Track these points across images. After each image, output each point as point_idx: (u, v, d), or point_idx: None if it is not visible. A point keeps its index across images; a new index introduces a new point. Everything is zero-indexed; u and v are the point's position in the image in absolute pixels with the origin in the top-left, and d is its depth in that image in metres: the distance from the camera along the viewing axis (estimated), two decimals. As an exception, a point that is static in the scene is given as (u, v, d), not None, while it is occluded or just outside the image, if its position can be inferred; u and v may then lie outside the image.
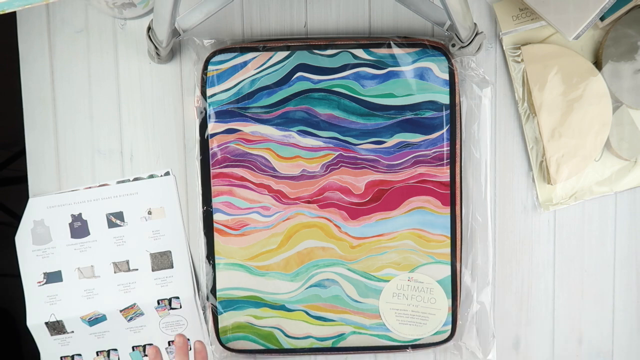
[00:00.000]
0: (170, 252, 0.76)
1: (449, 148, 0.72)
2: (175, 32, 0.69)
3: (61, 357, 0.77)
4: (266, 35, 0.75)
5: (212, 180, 0.73)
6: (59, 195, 0.76)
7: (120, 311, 0.76)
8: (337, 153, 0.73)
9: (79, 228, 0.75)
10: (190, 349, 0.77)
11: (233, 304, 0.74)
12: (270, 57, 0.72)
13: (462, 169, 0.74)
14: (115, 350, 0.77)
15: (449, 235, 0.73)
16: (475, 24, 0.69)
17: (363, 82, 0.72)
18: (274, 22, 0.75)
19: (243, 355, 0.76)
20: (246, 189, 0.73)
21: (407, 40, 0.72)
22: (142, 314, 0.76)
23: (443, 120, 0.72)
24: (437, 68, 0.72)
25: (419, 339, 0.75)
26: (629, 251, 0.78)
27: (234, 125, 0.73)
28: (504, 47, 0.75)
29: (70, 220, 0.75)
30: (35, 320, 0.76)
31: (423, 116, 0.72)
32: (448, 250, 0.73)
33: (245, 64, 0.72)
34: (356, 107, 0.72)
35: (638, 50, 0.75)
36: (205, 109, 0.73)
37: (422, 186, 0.73)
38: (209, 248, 0.74)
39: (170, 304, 0.76)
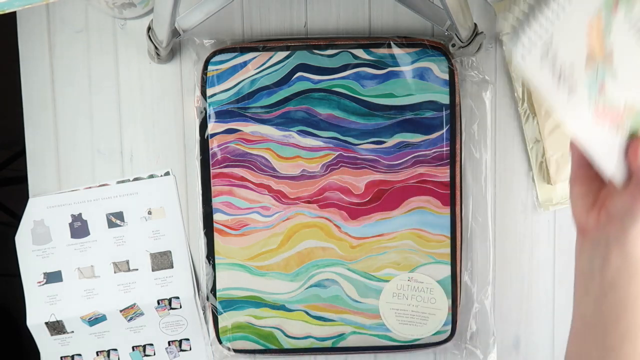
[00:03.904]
0: (170, 252, 0.76)
1: (449, 148, 0.72)
2: (175, 32, 0.69)
3: (61, 357, 0.77)
4: (266, 35, 0.75)
5: (212, 180, 0.73)
6: (59, 195, 0.76)
7: (120, 311, 0.76)
8: (337, 153, 0.73)
9: (79, 228, 0.75)
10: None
11: (233, 304, 0.74)
12: (270, 57, 0.72)
13: (462, 169, 0.74)
14: (115, 350, 0.77)
15: (449, 235, 0.73)
16: (475, 24, 0.69)
17: (363, 82, 0.72)
18: (274, 22, 0.75)
19: (243, 355, 0.76)
20: (246, 189, 0.73)
21: (407, 40, 0.72)
22: (142, 314, 0.76)
23: (443, 120, 0.72)
24: (437, 68, 0.72)
25: (419, 339, 0.75)
26: (629, 251, 0.78)
27: (234, 125, 0.73)
28: (504, 47, 0.75)
29: (70, 220, 0.75)
30: (35, 320, 0.76)
31: (423, 116, 0.72)
32: (448, 250, 0.74)
33: (245, 64, 0.72)
34: (356, 107, 0.72)
35: (638, 50, 0.75)
36: (205, 109, 0.73)
37: (422, 186, 0.73)
38: (209, 248, 0.74)
39: (170, 304, 0.76)
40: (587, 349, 0.54)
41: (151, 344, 0.77)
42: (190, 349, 0.77)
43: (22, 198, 0.75)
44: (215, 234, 0.74)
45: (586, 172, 0.56)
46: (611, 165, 0.52)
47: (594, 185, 0.56)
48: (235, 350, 0.75)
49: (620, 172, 0.53)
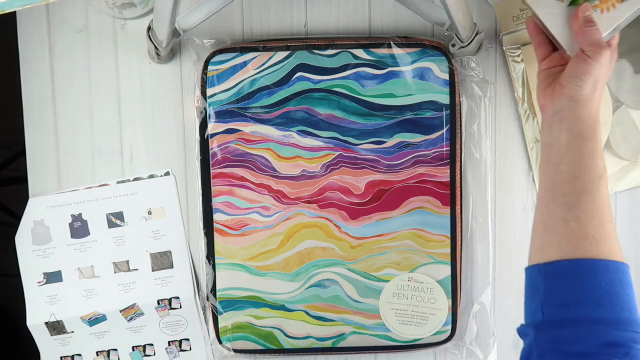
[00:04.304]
0: (170, 252, 0.76)
1: (449, 148, 0.72)
2: (175, 32, 0.69)
3: (61, 357, 0.77)
4: (266, 35, 0.75)
5: (212, 180, 0.73)
6: (59, 195, 0.76)
7: (120, 311, 0.76)
8: (337, 153, 0.73)
9: (79, 228, 0.75)
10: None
11: (233, 304, 0.74)
12: (270, 57, 0.72)
13: (462, 169, 0.74)
14: (115, 350, 0.77)
15: (449, 235, 0.73)
16: (475, 24, 0.69)
17: (363, 82, 0.72)
18: (274, 22, 0.75)
19: (243, 355, 0.76)
20: (246, 189, 0.73)
21: (407, 40, 0.72)
22: (142, 314, 0.76)
23: (443, 120, 0.72)
24: (437, 68, 0.72)
25: (419, 339, 0.75)
26: (629, 251, 0.78)
27: (234, 125, 0.73)
28: (504, 47, 0.75)
29: (70, 220, 0.75)
30: (35, 320, 0.76)
31: (423, 116, 0.72)
32: (448, 250, 0.73)
33: (245, 64, 0.72)
34: (356, 107, 0.72)
35: (638, 51, 0.75)
36: (205, 109, 0.73)
37: (422, 186, 0.73)
38: (209, 248, 0.74)
39: (170, 304, 0.76)
40: (550, 210, 0.58)
41: (151, 344, 0.77)
42: (190, 349, 0.77)
43: (22, 198, 0.75)
44: (215, 234, 0.74)
45: (547, 57, 0.65)
46: (563, 36, 0.63)
47: (555, 70, 0.63)
48: (235, 350, 0.75)
49: (572, 42, 0.62)
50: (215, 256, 0.74)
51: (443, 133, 0.72)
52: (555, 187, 0.59)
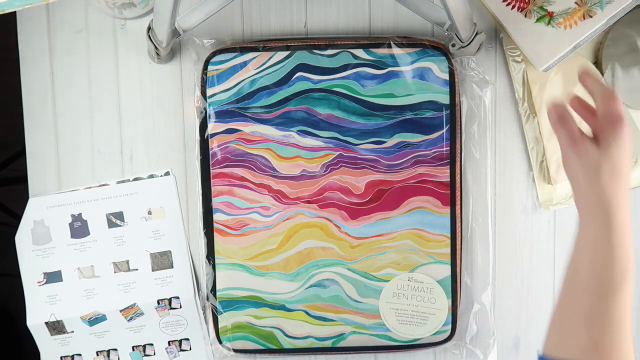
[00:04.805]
0: (170, 252, 0.76)
1: (449, 148, 0.72)
2: (175, 32, 0.69)
3: (61, 357, 0.77)
4: (266, 35, 0.75)
5: (212, 180, 0.73)
6: (59, 195, 0.76)
7: (120, 311, 0.76)
8: (337, 153, 0.73)
9: (79, 228, 0.75)
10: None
11: (233, 304, 0.74)
12: (270, 57, 0.72)
13: (462, 169, 0.74)
14: (115, 350, 0.77)
15: (449, 235, 0.73)
16: (475, 24, 0.69)
17: (363, 82, 0.72)
18: (274, 22, 0.75)
19: (243, 355, 0.76)
20: (246, 189, 0.73)
21: (407, 40, 0.72)
22: (142, 314, 0.76)
23: (443, 120, 0.72)
24: (437, 68, 0.72)
25: (419, 339, 0.75)
26: (629, 251, 0.78)
27: (234, 125, 0.73)
28: (504, 47, 0.75)
29: (70, 220, 0.75)
30: (35, 320, 0.76)
31: (423, 116, 0.72)
32: (448, 250, 0.73)
33: (245, 64, 0.72)
34: (356, 107, 0.72)
35: (638, 50, 0.75)
36: (205, 109, 0.73)
37: (422, 186, 0.73)
38: (209, 248, 0.74)
39: (170, 304, 0.76)
40: (564, 314, 0.57)
41: (151, 344, 0.77)
42: (190, 349, 0.77)
43: (22, 198, 0.75)
44: (215, 234, 0.74)
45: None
46: (529, 49, 0.68)
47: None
48: (235, 350, 0.75)
49: (538, 55, 0.67)
50: (215, 256, 0.74)
51: (443, 133, 0.72)
52: (572, 290, 0.57)
